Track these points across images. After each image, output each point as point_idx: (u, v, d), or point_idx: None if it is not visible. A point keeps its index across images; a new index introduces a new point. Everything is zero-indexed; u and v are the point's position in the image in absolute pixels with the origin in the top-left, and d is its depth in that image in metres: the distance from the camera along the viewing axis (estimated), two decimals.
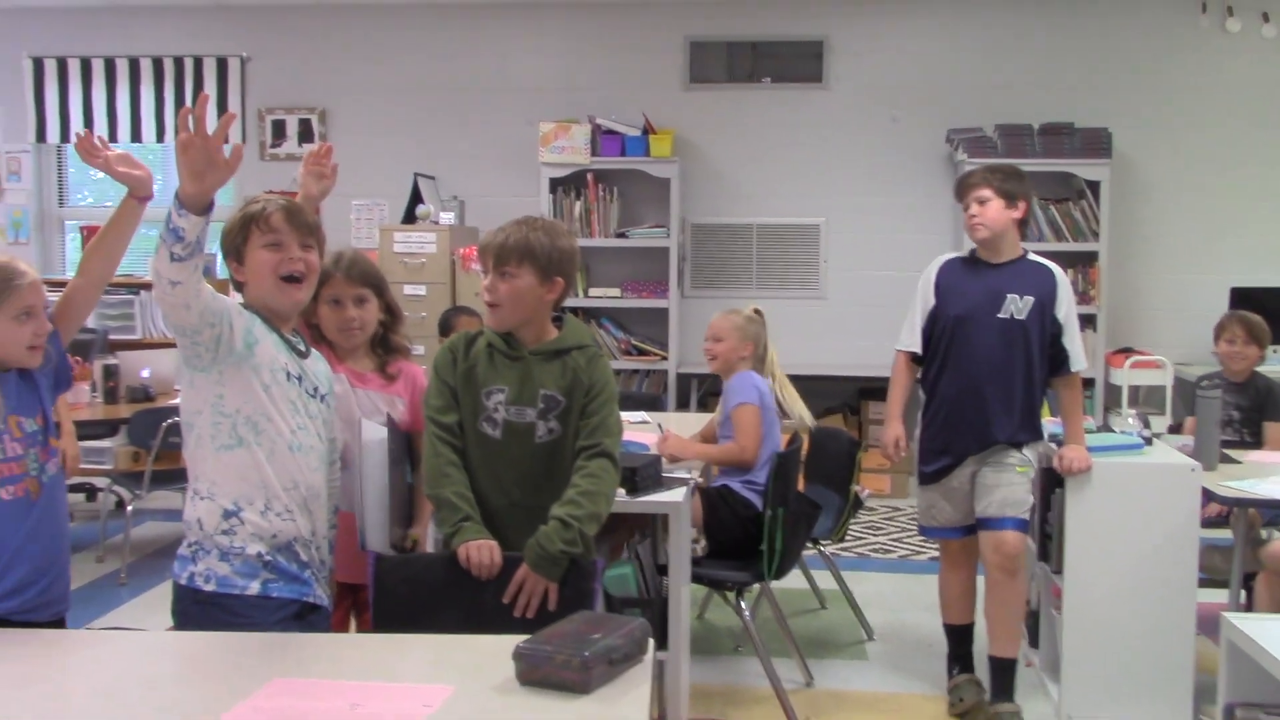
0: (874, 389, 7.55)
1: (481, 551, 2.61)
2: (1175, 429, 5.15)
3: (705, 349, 4.38)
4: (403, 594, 2.60)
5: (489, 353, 2.83)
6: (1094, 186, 7.21)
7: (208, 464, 2.49)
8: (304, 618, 2.53)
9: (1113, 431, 4.21)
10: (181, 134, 2.24)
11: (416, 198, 7.42)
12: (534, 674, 2.02)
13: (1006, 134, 7.21)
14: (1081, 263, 7.25)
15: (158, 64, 7.95)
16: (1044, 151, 7.17)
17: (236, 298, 2.59)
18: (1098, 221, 7.21)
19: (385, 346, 3.16)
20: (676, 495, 3.44)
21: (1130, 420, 4.20)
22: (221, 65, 7.93)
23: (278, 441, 2.50)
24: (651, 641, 2.16)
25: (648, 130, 7.45)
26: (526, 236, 2.77)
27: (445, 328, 5.06)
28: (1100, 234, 7.20)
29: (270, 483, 2.49)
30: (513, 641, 2.06)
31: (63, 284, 7.99)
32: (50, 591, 2.49)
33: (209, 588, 2.46)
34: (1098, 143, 7.15)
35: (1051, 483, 4.14)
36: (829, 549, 5.02)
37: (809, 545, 4.57)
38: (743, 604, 4.05)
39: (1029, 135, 7.20)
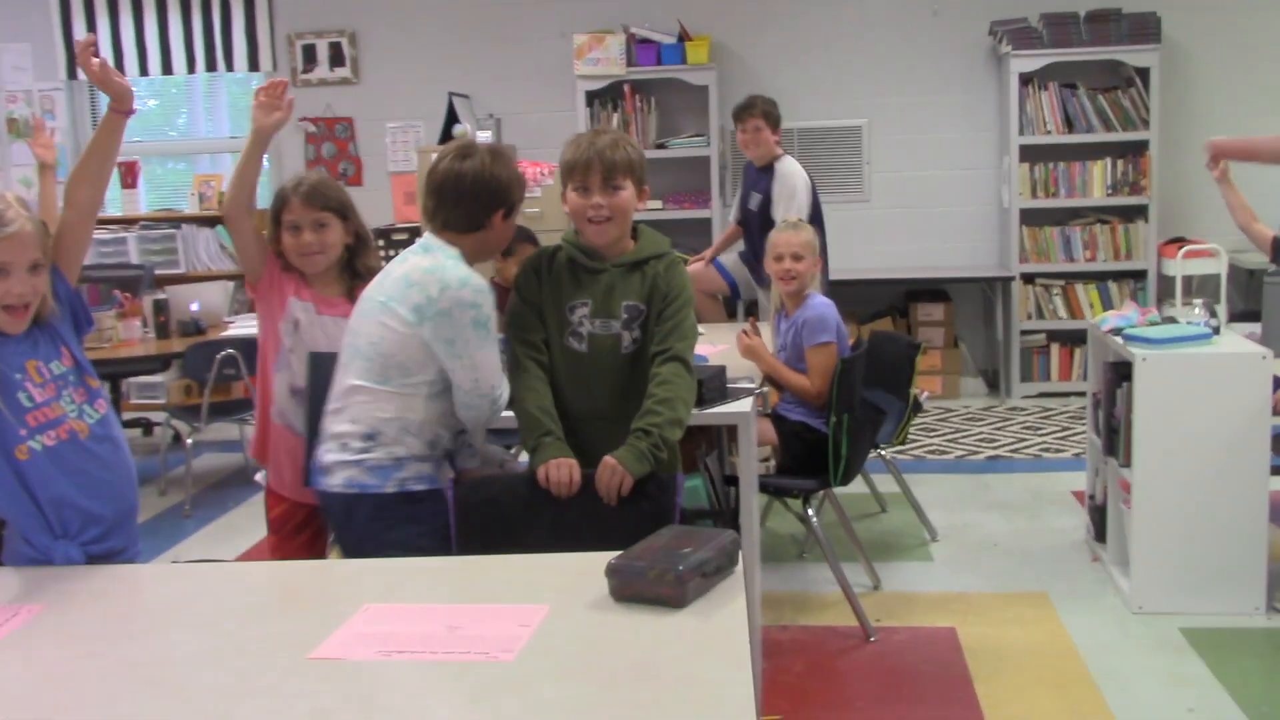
0: (921, 291, 7.49)
1: (561, 470, 2.60)
2: (1238, 317, 5.07)
3: (784, 269, 4.15)
4: (484, 515, 2.60)
5: (571, 267, 2.84)
6: (1143, 74, 7.02)
7: None
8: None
9: (1178, 323, 4.14)
10: None
11: (452, 118, 7.32)
12: (628, 590, 2.02)
13: (1052, 23, 7.02)
14: (1131, 152, 7.11)
15: None
16: (1091, 39, 6.99)
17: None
18: (1147, 110, 7.04)
19: (353, 272, 3.12)
20: (743, 406, 3.41)
21: (1196, 310, 4.13)
22: None
23: None
24: (741, 553, 2.15)
25: (683, 37, 7.31)
26: (626, 150, 2.81)
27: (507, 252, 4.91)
28: (1150, 122, 7.03)
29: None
30: (602, 559, 2.05)
31: (110, 221, 7.95)
32: (120, 535, 2.46)
33: (420, 488, 2.68)
34: (1146, 28, 6.96)
35: (1118, 376, 4.09)
36: (888, 453, 5.00)
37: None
38: (810, 511, 4.04)
39: (1075, 23, 7.01)
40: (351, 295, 3.04)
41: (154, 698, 1.75)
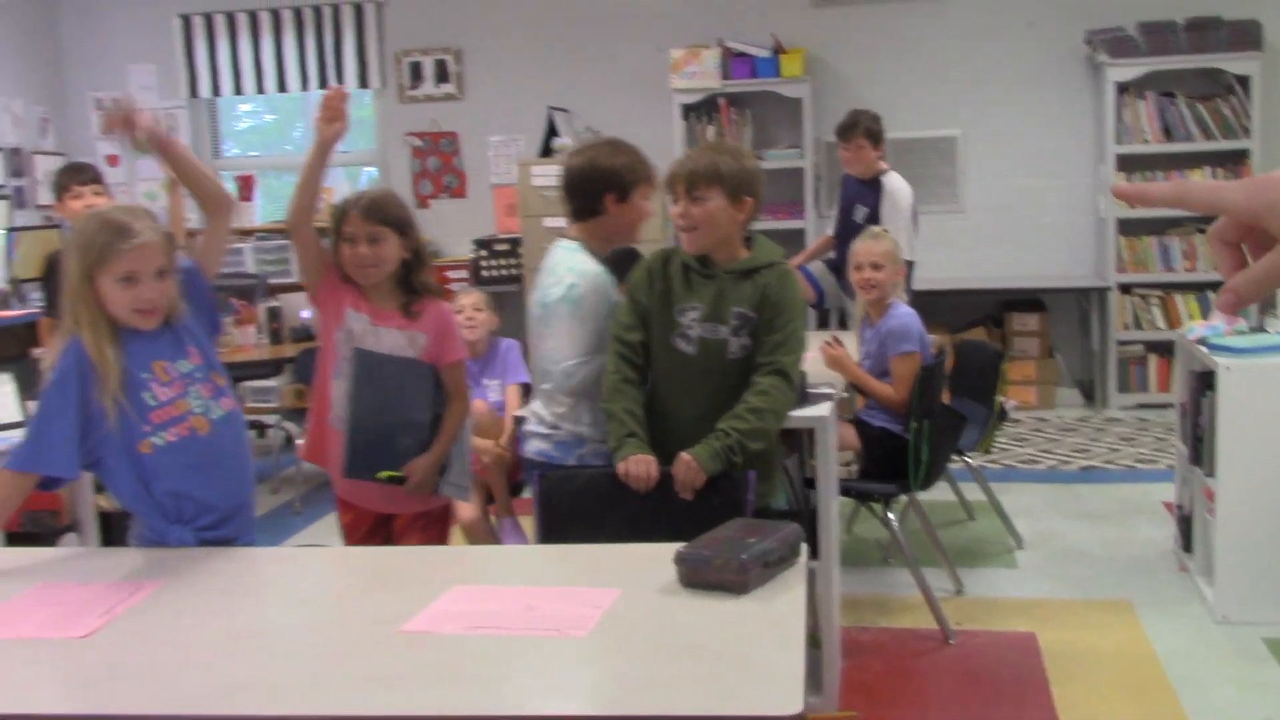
0: (1016, 300, 7.49)
1: (639, 466, 2.75)
2: None
3: (864, 278, 4.25)
4: (567, 508, 2.75)
5: (684, 272, 2.97)
6: (1244, 81, 6.95)
7: None
8: None
9: (1266, 332, 4.14)
10: None
11: (552, 131, 7.54)
12: (695, 576, 2.14)
13: (1149, 32, 6.99)
14: (1232, 161, 7.03)
15: (298, 14, 8.20)
16: (1190, 47, 6.94)
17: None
18: (1249, 117, 6.96)
19: (408, 287, 3.16)
20: (822, 410, 3.51)
21: None
22: (358, 11, 8.14)
23: None
24: (805, 545, 2.27)
25: (778, 50, 7.43)
26: (713, 160, 2.93)
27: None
28: (1252, 130, 6.96)
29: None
30: (673, 548, 2.18)
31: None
32: (233, 525, 2.62)
33: (597, 463, 3.01)
34: (1247, 35, 6.89)
35: (1202, 385, 4.10)
36: (975, 461, 5.05)
37: (955, 458, 4.61)
38: (890, 515, 4.12)
39: (1173, 31, 6.98)
40: (407, 310, 3.13)
41: (257, 664, 1.92)
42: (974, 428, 4.66)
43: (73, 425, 2.45)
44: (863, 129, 5.83)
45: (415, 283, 3.16)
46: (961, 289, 7.37)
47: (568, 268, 3.07)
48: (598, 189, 3.10)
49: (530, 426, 3.16)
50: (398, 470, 3.12)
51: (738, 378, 2.91)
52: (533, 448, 3.14)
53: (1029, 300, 7.48)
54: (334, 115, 3.09)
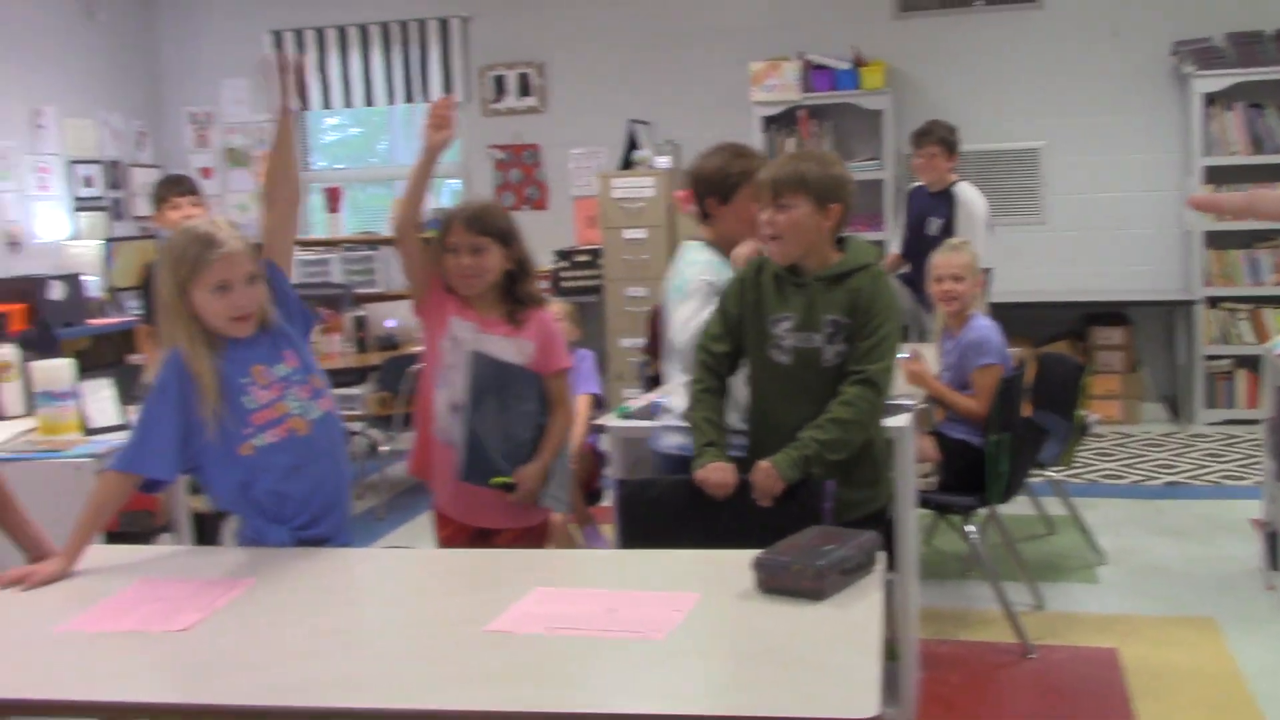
0: (1100, 314, 7.40)
1: (717, 473, 2.79)
2: None
3: (944, 290, 4.26)
4: (645, 515, 2.80)
5: (775, 282, 2.95)
6: None
7: None
8: None
9: None
10: None
11: (633, 144, 7.62)
12: (772, 582, 2.18)
13: (1238, 42, 6.89)
14: None
15: (385, 30, 8.37)
16: (1279, 58, 6.82)
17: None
18: None
19: (514, 298, 3.15)
20: (900, 421, 3.52)
21: None
22: (444, 26, 8.28)
23: None
24: (882, 553, 2.29)
25: (858, 63, 7.43)
26: (798, 167, 2.88)
27: None
28: None
29: None
30: (751, 554, 2.21)
31: (315, 243, 8.50)
32: (329, 523, 2.69)
33: (734, 454, 3.00)
34: None
35: None
36: (1057, 475, 5.00)
37: (1036, 472, 4.58)
38: (969, 528, 4.11)
39: (1261, 42, 6.86)
40: (513, 319, 3.13)
41: (344, 659, 1.99)
42: (1055, 442, 4.63)
43: (173, 430, 2.55)
44: (937, 137, 5.86)
45: (519, 293, 3.15)
46: (1044, 302, 7.30)
47: (683, 260, 3.30)
48: (700, 194, 3.29)
49: (667, 421, 3.27)
50: (509, 477, 3.09)
51: (835, 386, 2.88)
52: (673, 442, 3.22)
53: (1113, 314, 7.39)
54: (441, 123, 3.12)
